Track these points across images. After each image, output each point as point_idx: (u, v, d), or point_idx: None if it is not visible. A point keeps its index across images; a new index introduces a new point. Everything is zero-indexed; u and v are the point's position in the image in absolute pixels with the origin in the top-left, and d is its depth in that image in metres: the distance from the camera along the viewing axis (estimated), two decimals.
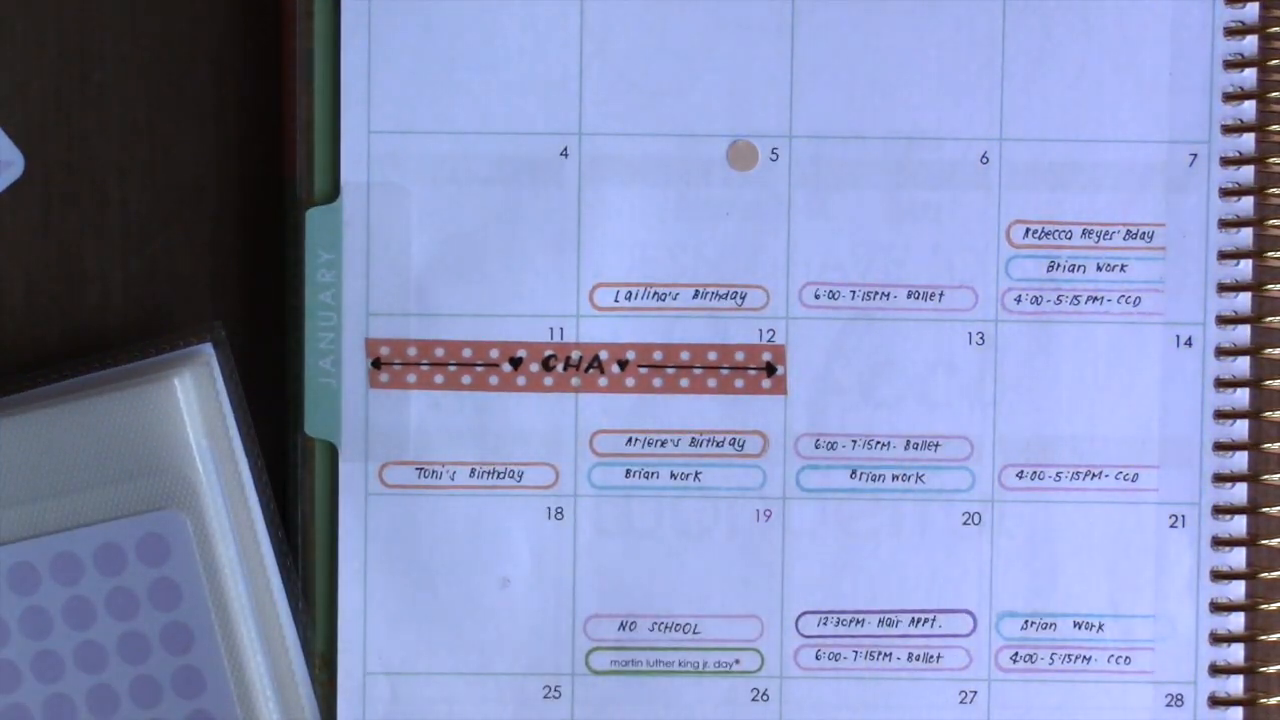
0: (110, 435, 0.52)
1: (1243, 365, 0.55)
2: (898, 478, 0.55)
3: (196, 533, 0.52)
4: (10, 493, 0.52)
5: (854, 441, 0.55)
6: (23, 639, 0.52)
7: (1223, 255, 0.55)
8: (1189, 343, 0.55)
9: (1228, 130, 0.55)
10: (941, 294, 0.55)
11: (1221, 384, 0.55)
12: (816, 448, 0.55)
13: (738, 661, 0.55)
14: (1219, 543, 0.55)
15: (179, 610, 0.52)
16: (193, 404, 0.52)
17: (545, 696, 0.55)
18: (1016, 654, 0.55)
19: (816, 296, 0.55)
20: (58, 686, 0.52)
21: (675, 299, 0.55)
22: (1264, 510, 0.55)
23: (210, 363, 0.53)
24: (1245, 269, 0.55)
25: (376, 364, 0.54)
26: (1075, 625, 0.55)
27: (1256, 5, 0.55)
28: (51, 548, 0.52)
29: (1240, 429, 0.55)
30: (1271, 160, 0.55)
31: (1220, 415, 0.55)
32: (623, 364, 0.55)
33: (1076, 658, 0.55)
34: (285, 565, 0.54)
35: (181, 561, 0.52)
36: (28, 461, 0.52)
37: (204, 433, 0.53)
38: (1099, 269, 0.55)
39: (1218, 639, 0.55)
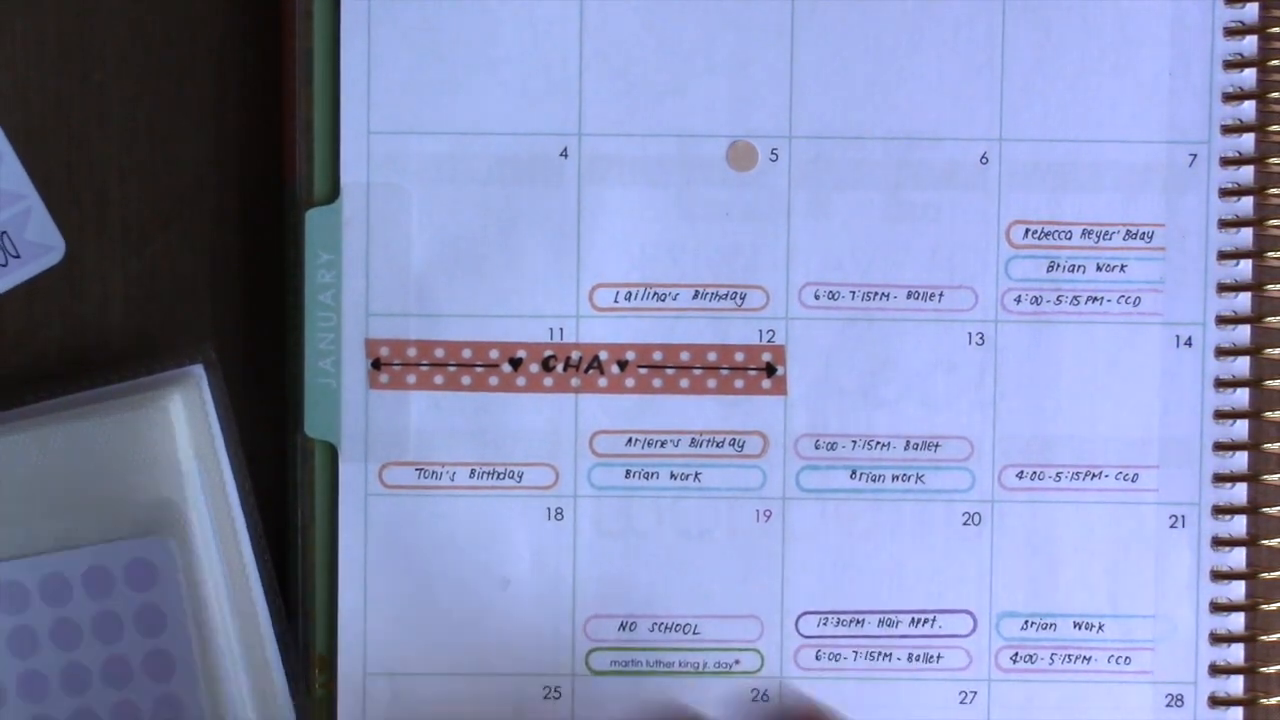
0: (102, 458, 0.52)
1: (1243, 365, 0.55)
2: (898, 478, 0.55)
3: (183, 559, 0.52)
4: (2, 511, 0.52)
5: (854, 442, 0.55)
6: (10, 657, 0.52)
7: (1223, 255, 0.55)
8: (1189, 343, 0.55)
9: (1227, 130, 0.55)
10: (941, 294, 0.55)
11: (1221, 384, 0.55)
12: (816, 448, 0.55)
13: (738, 662, 0.55)
14: (1219, 543, 0.55)
15: (162, 637, 0.52)
16: (182, 427, 0.52)
17: (545, 697, 0.55)
18: (1016, 654, 0.55)
19: (816, 297, 0.55)
20: (42, 707, 0.52)
21: (675, 299, 0.55)
22: (1264, 510, 0.55)
23: (200, 384, 0.53)
24: (1245, 269, 0.55)
25: (376, 364, 0.54)
26: (1075, 625, 0.55)
27: (1256, 5, 0.55)
28: (42, 568, 0.52)
29: (1240, 429, 0.55)
30: (1271, 160, 0.55)
31: (1220, 415, 0.55)
32: (622, 364, 0.55)
33: (1076, 658, 0.55)
34: (272, 590, 0.54)
35: (167, 588, 0.52)
36: (20, 481, 0.52)
37: (192, 455, 0.52)
38: (1099, 269, 0.55)
39: (1218, 639, 0.55)
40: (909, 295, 0.55)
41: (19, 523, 0.52)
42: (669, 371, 0.55)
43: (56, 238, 0.55)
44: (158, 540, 0.52)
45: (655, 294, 0.55)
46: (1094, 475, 0.55)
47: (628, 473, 0.55)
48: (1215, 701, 0.55)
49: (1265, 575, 0.55)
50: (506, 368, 0.54)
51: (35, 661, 0.52)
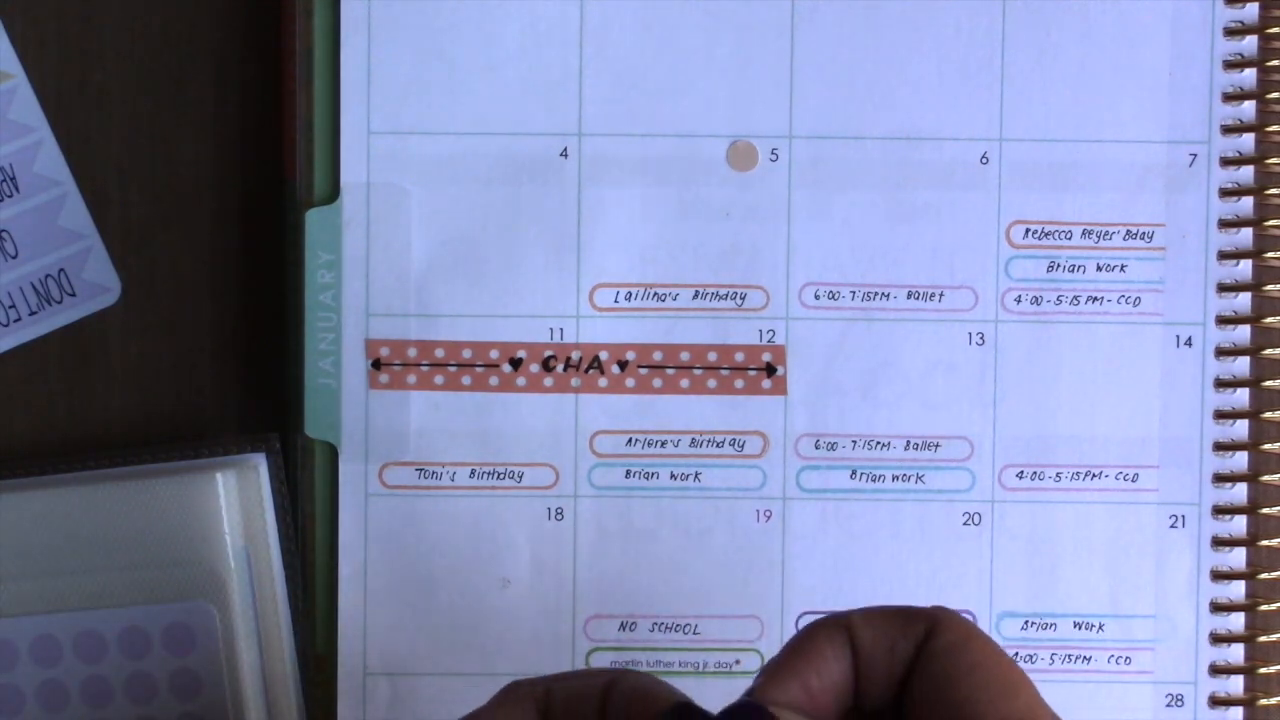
0: (147, 521, 0.52)
1: (1243, 365, 0.55)
2: (898, 478, 0.55)
3: (223, 627, 0.52)
4: (41, 565, 0.52)
5: (854, 442, 0.55)
6: (38, 710, 0.52)
7: (1222, 255, 0.55)
8: (1189, 343, 0.55)
9: (1227, 130, 0.55)
10: (941, 294, 0.55)
11: (1221, 384, 0.55)
12: (816, 448, 0.55)
13: (738, 662, 0.55)
14: (1219, 543, 0.55)
15: (196, 702, 0.52)
16: (234, 504, 0.52)
17: None
18: (1017, 654, 0.55)
19: (816, 297, 0.55)
20: None
21: (675, 299, 0.55)
22: (1264, 510, 0.55)
23: (259, 470, 0.53)
24: (1245, 269, 0.55)
25: (376, 365, 0.54)
26: (1075, 625, 0.55)
27: (1256, 5, 0.55)
28: (77, 624, 0.52)
29: (1240, 429, 0.55)
30: (1271, 160, 0.55)
31: (1220, 415, 0.55)
32: (623, 364, 0.55)
33: (1077, 658, 0.55)
34: (307, 679, 0.54)
35: (205, 654, 0.52)
36: (61, 536, 0.52)
37: (242, 534, 0.52)
38: (1099, 269, 0.55)
39: (1218, 639, 0.55)
40: (909, 295, 0.55)
41: (56, 576, 0.52)
42: (669, 371, 0.55)
43: (114, 279, 0.55)
44: (200, 605, 0.52)
45: (655, 294, 0.55)
46: (1094, 475, 0.55)
47: (628, 473, 0.55)
48: (1215, 701, 0.55)
49: (1265, 575, 0.55)
50: (507, 368, 0.54)
51: (63, 717, 0.52)
